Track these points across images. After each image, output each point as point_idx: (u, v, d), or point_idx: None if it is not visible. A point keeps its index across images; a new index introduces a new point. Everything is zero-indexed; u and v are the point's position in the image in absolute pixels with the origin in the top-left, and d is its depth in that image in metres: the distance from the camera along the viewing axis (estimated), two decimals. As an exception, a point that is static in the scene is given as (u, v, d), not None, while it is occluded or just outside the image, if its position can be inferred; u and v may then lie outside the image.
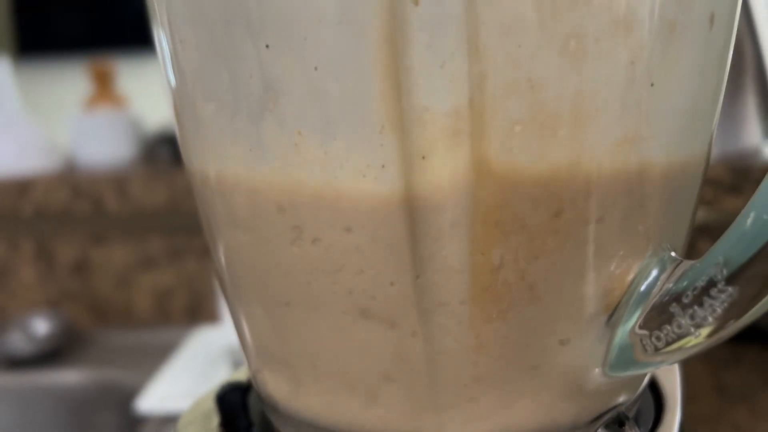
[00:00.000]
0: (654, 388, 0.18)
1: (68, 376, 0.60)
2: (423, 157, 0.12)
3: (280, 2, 0.12)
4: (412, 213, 0.12)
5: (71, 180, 0.66)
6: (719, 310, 0.12)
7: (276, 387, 0.16)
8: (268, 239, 0.14)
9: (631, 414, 0.16)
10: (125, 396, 0.55)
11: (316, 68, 0.12)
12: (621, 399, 0.15)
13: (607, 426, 0.15)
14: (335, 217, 0.13)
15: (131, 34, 1.76)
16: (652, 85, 0.12)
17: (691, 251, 0.16)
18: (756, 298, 0.11)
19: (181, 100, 0.15)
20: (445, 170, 0.12)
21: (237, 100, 0.13)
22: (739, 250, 0.11)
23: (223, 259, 0.16)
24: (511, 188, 0.12)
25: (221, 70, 0.13)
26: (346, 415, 0.15)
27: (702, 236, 0.41)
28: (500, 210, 0.12)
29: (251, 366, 0.17)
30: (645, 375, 0.16)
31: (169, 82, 0.15)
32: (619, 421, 0.15)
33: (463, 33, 0.11)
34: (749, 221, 0.11)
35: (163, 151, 0.73)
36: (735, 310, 0.12)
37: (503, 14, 0.11)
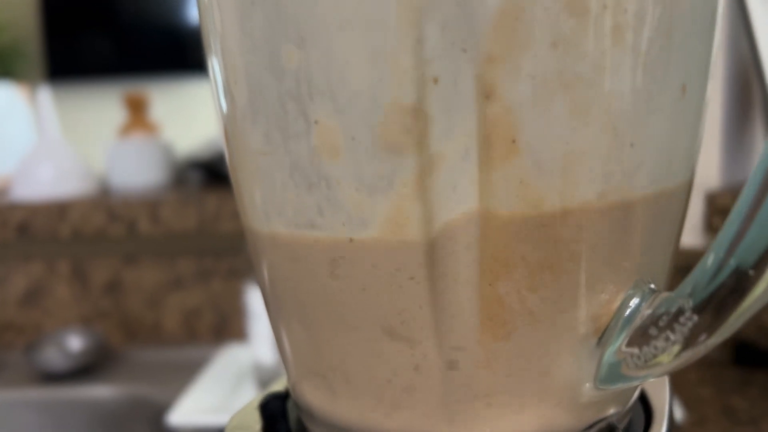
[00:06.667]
0: (646, 403, 0.21)
1: (101, 391, 0.63)
2: (440, 211, 0.15)
3: (323, 83, 0.15)
4: (431, 252, 0.15)
5: (106, 204, 0.69)
6: (686, 334, 0.14)
7: (312, 396, 0.19)
8: (308, 270, 0.17)
9: (621, 425, 0.18)
10: (155, 410, 0.58)
11: (353, 138, 0.15)
12: (612, 411, 0.18)
13: (598, 433, 0.17)
14: (369, 257, 0.15)
15: (162, 59, 1.82)
16: (631, 145, 0.15)
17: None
18: (714, 325, 0.14)
19: (233, 132, 0.18)
20: (457, 217, 0.15)
21: (290, 157, 0.16)
22: (702, 285, 0.14)
23: (267, 281, 0.19)
24: (513, 231, 0.15)
25: (273, 130, 0.16)
26: (373, 422, 0.18)
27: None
28: (504, 251, 0.15)
29: (290, 377, 0.20)
30: (634, 389, 0.19)
31: (222, 110, 0.18)
32: (610, 429, 0.18)
33: (473, 108, 0.14)
34: (710, 261, 0.14)
35: (192, 176, 0.77)
36: (698, 334, 0.14)
37: (509, 96, 0.14)
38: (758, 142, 0.64)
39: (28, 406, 0.63)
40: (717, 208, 0.59)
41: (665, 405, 0.20)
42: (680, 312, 0.14)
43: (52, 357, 0.65)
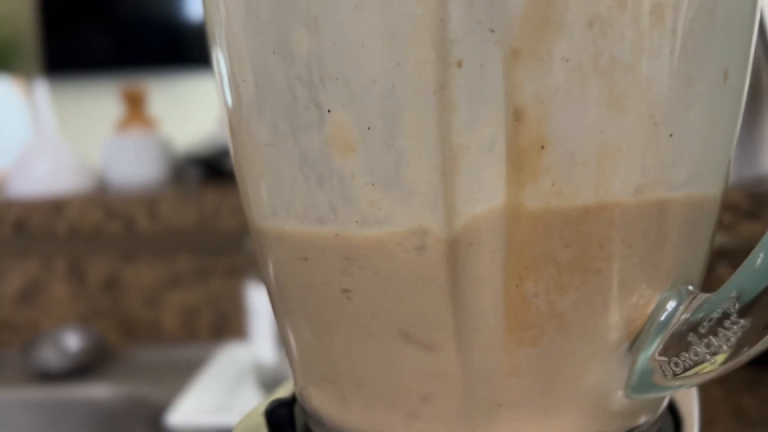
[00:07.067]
0: (673, 410, 0.19)
1: (98, 391, 0.62)
2: (463, 207, 0.13)
3: (337, 68, 0.13)
4: (453, 251, 0.14)
5: (104, 200, 0.68)
6: (732, 340, 0.13)
7: (321, 402, 0.18)
8: (318, 269, 0.16)
9: (651, 434, 0.17)
10: (154, 410, 0.57)
11: (369, 128, 0.13)
12: (642, 419, 0.17)
13: (629, 444, 0.16)
14: (385, 257, 0.14)
15: (160, 53, 1.80)
16: (670, 135, 0.14)
17: (710, 275, 0.17)
18: (765, 329, 0.13)
19: (238, 125, 0.17)
20: (482, 213, 0.13)
21: (299, 149, 0.15)
22: (750, 286, 0.13)
23: (273, 280, 0.18)
24: (542, 229, 0.14)
25: (281, 117, 0.15)
26: (388, 430, 0.17)
27: (721, 261, 0.42)
28: (532, 249, 0.14)
29: (297, 381, 0.19)
30: (664, 397, 0.18)
31: (226, 103, 0.17)
32: (641, 440, 0.16)
33: (501, 95, 0.13)
34: (759, 260, 0.13)
35: (191, 172, 0.76)
36: (746, 339, 0.13)
37: (540, 82, 0.13)
38: (767, 138, 0.62)
39: (25, 405, 0.62)
40: (726, 204, 0.58)
41: (693, 411, 0.19)
42: (725, 316, 0.13)
43: (49, 356, 0.64)
